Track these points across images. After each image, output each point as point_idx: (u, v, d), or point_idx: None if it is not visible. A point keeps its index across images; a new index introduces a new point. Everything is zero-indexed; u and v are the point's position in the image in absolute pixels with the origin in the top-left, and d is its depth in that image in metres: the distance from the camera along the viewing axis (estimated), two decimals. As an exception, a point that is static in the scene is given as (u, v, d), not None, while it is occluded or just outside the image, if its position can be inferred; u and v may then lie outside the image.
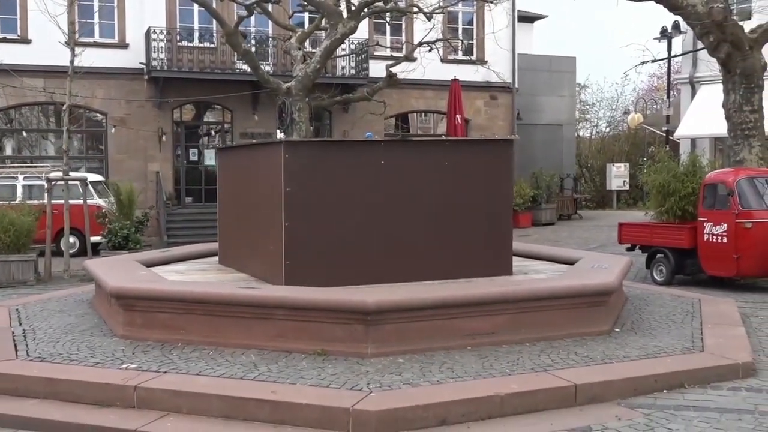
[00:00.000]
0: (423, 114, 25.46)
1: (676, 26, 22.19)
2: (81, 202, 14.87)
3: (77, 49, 14.53)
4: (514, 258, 8.53)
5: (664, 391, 5.92)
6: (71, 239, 15.75)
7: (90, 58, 15.13)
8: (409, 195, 7.80)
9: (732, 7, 13.99)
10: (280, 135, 21.13)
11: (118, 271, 8.05)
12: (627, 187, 30.96)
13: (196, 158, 22.61)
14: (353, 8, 15.39)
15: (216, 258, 9.88)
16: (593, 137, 39.10)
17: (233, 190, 9.32)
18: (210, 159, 22.89)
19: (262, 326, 6.59)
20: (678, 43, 23.30)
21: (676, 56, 22.98)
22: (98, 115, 21.51)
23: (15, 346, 6.80)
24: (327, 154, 7.73)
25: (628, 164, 31.25)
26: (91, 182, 16.42)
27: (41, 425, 5.38)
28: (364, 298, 6.44)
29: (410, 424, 5.16)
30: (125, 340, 6.94)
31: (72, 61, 14.34)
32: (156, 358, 6.34)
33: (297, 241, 7.44)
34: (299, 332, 6.50)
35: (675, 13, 14.14)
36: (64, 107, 14.67)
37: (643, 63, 15.41)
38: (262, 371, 5.93)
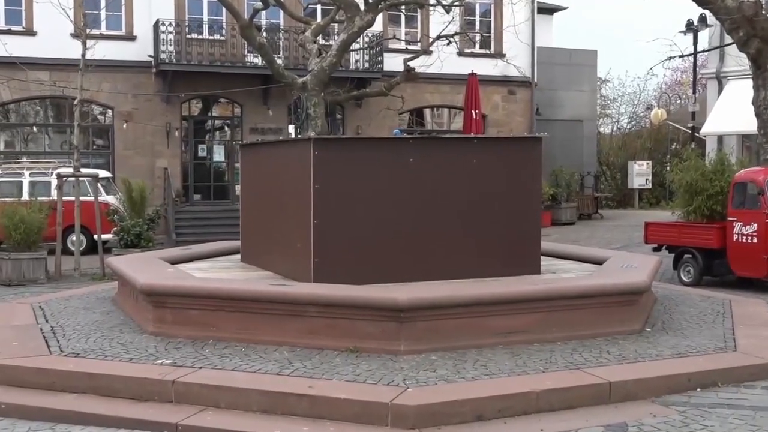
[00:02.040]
0: (437, 109, 25.76)
1: (702, 19, 22.35)
2: (90, 199, 15.22)
3: (89, 42, 14.88)
4: (541, 257, 8.77)
5: (698, 389, 6.19)
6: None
7: (97, 50, 15.41)
8: (437, 193, 8.08)
9: (763, 2, 14.22)
10: (292, 130, 21.57)
11: (146, 268, 8.35)
12: (649, 186, 31.21)
13: (204, 154, 22.99)
14: (371, 0, 15.68)
15: (237, 256, 10.16)
16: (614, 134, 39.34)
17: (257, 187, 9.60)
18: (219, 155, 23.28)
19: (294, 323, 6.87)
20: (704, 37, 23.51)
21: (703, 51, 23.15)
22: (105, 109, 21.88)
23: (46, 342, 7.11)
24: (356, 151, 8.03)
25: (650, 162, 31.52)
26: (100, 179, 16.77)
27: (83, 419, 5.69)
28: (396, 295, 6.72)
29: (448, 418, 5.47)
30: (156, 336, 7.23)
31: (83, 54, 14.69)
32: (189, 354, 6.64)
33: (325, 238, 7.72)
34: (331, 329, 6.79)
35: (704, 8, 14.39)
36: (76, 102, 15.03)
37: (670, 59, 15.70)
38: (297, 367, 6.23)
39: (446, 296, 6.94)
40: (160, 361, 6.43)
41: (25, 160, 19.50)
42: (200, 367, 6.24)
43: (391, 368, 6.22)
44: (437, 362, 6.41)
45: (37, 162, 18.94)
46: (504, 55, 24.57)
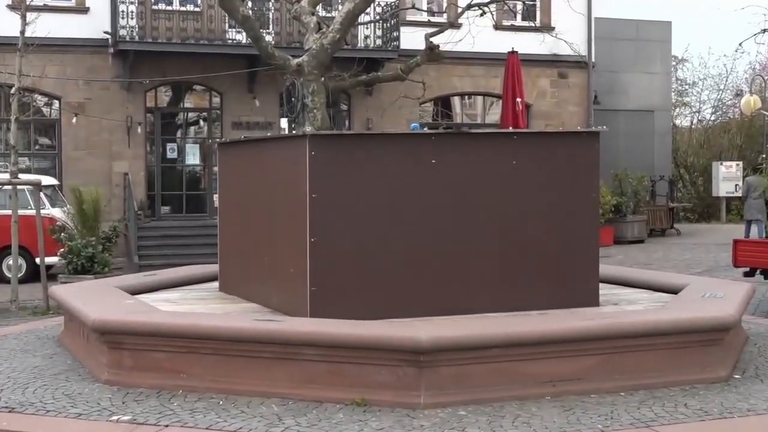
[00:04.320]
0: (468, 97, 25.79)
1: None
2: (31, 212, 15.30)
3: (29, 15, 14.97)
4: (600, 285, 8.79)
5: (803, 454, 6.17)
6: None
7: (40, 26, 15.41)
8: (467, 203, 8.09)
9: None
10: (284, 125, 21.64)
11: (99, 300, 8.37)
12: (740, 193, 31.07)
13: (174, 155, 23.14)
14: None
15: (215, 284, 10.20)
16: (694, 127, 39.25)
17: (239, 197, 9.62)
18: (193, 157, 23.40)
19: (285, 369, 6.87)
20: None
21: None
22: (50, 99, 22.06)
23: (-27, 392, 7.15)
24: (365, 151, 8.03)
25: (740, 163, 31.39)
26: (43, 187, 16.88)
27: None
28: (415, 333, 6.70)
29: (481, 491, 5.45)
30: (111, 386, 7.23)
31: (23, 31, 14.80)
32: (153, 408, 6.65)
33: (325, 261, 7.72)
34: (333, 376, 6.77)
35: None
36: (13, 90, 15.13)
37: (765, 31, 15.61)
38: (288, 425, 6.22)
39: (478, 334, 6.92)
40: (115, 418, 6.43)
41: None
42: (166, 426, 6.25)
43: (408, 427, 6.20)
44: (467, 419, 6.38)
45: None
46: (553, 29, 24.52)
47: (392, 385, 6.67)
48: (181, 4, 22.19)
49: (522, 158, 8.23)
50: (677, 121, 38.16)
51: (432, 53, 17.69)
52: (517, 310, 8.02)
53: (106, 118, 21.64)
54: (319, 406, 6.64)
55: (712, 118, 39.49)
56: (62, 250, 14.97)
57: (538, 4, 25.62)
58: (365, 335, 6.82)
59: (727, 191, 30.99)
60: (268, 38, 19.86)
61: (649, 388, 7.12)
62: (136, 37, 21.37)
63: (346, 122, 23.83)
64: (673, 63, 34.97)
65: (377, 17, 22.43)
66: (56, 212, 17.31)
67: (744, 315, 8.87)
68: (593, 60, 25.86)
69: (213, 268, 10.65)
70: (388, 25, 22.83)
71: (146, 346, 7.28)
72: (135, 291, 9.53)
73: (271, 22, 22.34)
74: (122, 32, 21.16)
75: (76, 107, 21.67)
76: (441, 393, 6.65)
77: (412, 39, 21.59)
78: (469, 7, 18.99)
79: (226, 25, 21.65)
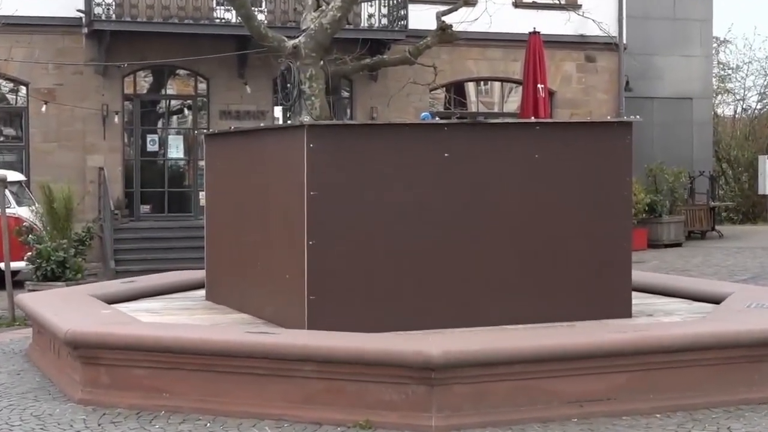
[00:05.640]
0: (484, 83, 25.76)
1: None
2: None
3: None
4: (633, 293, 8.80)
5: None
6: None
7: (6, 4, 15.40)
8: (483, 202, 8.12)
9: None
10: (279, 114, 21.60)
11: (72, 310, 8.37)
12: (790, 191, 31.03)
13: (156, 148, 23.05)
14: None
15: (202, 292, 10.22)
16: (738, 117, 39.16)
17: (228, 195, 9.65)
18: (177, 150, 23.29)
19: (280, 387, 6.88)
20: None
21: None
22: (16, 85, 22.03)
23: (-68, 414, 7.16)
24: (369, 143, 8.06)
25: (791, 157, 31.33)
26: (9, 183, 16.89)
27: None
28: (426, 347, 6.69)
29: None
30: (86, 406, 7.23)
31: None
32: (132, 431, 6.65)
33: (325, 267, 7.75)
34: (334, 395, 6.78)
35: None
36: (-25, 75, 15.16)
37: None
38: (284, 450, 6.26)
39: (497, 348, 6.92)
40: (91, 441, 6.46)
41: None
42: (147, 450, 6.27)
43: (419, 452, 6.21)
44: (484, 443, 6.40)
45: None
46: (580, 6, 24.53)
47: (400, 406, 6.67)
48: (163, -21, 22.10)
49: (545, 152, 8.24)
50: (719, 110, 38.03)
51: (444, 34, 17.69)
52: (539, 321, 8.06)
53: (79, 107, 21.52)
54: (318, 428, 6.64)
55: (759, 107, 39.39)
56: (30, 254, 14.92)
57: (562, -21, 25.56)
58: (369, 349, 6.82)
59: (775, 189, 30.97)
60: (261, 17, 19.86)
61: (688, 409, 7.11)
62: (113, 16, 21.25)
63: (348, 111, 23.74)
64: (715, 45, 34.86)
65: (383, -7, 22.39)
66: (23, 212, 17.24)
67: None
68: (624, 41, 25.71)
69: (199, 274, 10.66)
70: (395, 2, 22.80)
71: (125, 362, 7.29)
72: (112, 300, 9.53)
73: (263, -1, 22.32)
74: (97, 10, 21.06)
75: (45, 94, 21.56)
76: (454, 414, 6.65)
77: (421, 18, 21.55)
78: (486, -19, 19.05)
79: (214, 2, 21.60)
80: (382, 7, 22.93)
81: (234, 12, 17.49)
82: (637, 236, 23.26)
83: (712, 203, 28.11)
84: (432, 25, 18.35)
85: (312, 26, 15.27)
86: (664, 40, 27.53)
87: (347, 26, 19.38)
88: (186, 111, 23.93)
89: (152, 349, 7.23)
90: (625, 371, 7.10)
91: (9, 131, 22.73)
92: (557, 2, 24.76)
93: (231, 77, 22.58)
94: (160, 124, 23.73)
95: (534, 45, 19.86)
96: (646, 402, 7.07)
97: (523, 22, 22.17)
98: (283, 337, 7.23)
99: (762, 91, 39.70)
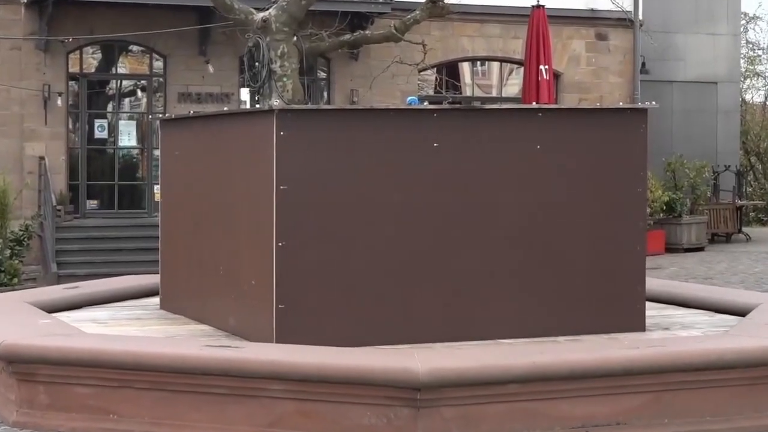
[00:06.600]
0: (480, 63, 25.69)
1: None
2: None
3: None
4: (647, 304, 8.79)
5: None
6: None
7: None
8: (478, 199, 8.10)
9: None
10: (246, 97, 21.39)
11: (5, 319, 8.28)
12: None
13: (104, 135, 22.95)
14: None
15: (156, 299, 10.18)
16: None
17: (187, 189, 9.60)
18: (129, 137, 23.22)
19: (244, 408, 6.79)
20: None
21: None
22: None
23: None
24: (347, 131, 7.97)
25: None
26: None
27: None
28: (411, 364, 6.61)
29: None
30: (21, 429, 7.13)
31: None
32: (74, 459, 6.56)
33: (296, 272, 7.71)
34: (306, 418, 6.69)
35: None
36: None
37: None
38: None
39: (491, 366, 6.84)
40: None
41: None
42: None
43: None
44: (477, 475, 6.25)
45: None
46: (590, -23, 24.49)
47: (381, 430, 6.59)
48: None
49: (548, 142, 8.23)
50: (747, 96, 38.20)
51: (435, 7, 17.52)
52: (540, 335, 8.06)
53: (16, 87, 21.35)
54: (288, 458, 6.54)
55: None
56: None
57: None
58: (346, 366, 6.76)
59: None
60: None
61: (709, 435, 7.11)
62: (56, -17, 21.08)
63: (325, 94, 23.75)
64: (743, 22, 34.95)
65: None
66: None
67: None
68: (641, 17, 25.63)
69: (153, 279, 10.65)
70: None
71: (67, 379, 7.19)
72: (53, 308, 9.43)
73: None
74: (39, -23, 20.90)
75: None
76: (444, 440, 6.63)
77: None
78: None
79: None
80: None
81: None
82: (652, 239, 23.20)
83: (739, 202, 28.11)
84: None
85: (283, -1, 15.06)
86: (686, 16, 27.50)
87: (322, -1, 19.19)
88: (139, 93, 23.92)
89: (98, 365, 7.12)
90: (637, 392, 7.04)
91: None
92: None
93: (191, 55, 22.54)
94: (109, 107, 23.73)
95: (537, 20, 19.65)
96: (661, 427, 7.02)
97: (524, -5, 22.10)
98: (248, 352, 7.15)
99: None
